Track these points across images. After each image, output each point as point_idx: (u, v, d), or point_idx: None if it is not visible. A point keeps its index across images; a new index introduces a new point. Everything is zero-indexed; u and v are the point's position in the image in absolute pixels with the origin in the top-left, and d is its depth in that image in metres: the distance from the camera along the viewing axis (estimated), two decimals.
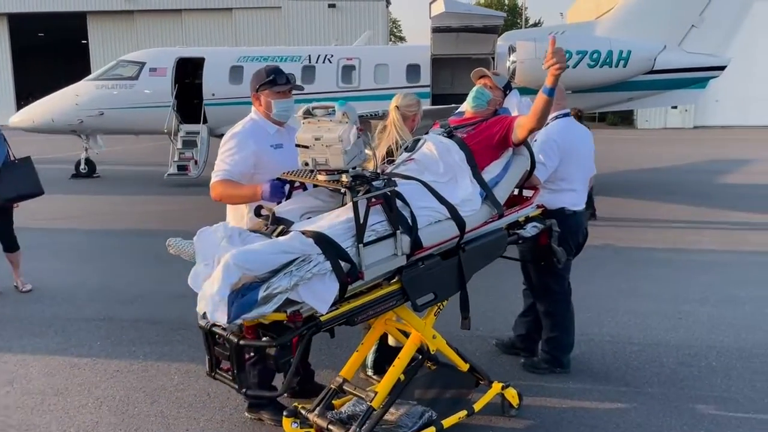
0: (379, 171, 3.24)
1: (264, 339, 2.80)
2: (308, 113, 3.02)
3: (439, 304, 3.49)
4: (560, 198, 4.43)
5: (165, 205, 12.26)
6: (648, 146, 25.18)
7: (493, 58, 14.14)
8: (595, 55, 13.07)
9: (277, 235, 2.95)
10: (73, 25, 40.09)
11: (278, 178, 3.28)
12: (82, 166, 16.13)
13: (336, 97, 13.81)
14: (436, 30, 13.47)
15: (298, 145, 3.00)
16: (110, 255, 8.38)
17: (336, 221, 2.94)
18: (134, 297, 6.38)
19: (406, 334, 3.80)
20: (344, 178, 2.97)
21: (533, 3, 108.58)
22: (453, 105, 11.06)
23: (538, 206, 4.03)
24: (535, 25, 57.65)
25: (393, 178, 3.18)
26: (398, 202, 3.08)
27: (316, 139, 2.94)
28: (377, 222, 3.00)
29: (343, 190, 3.13)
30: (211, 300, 2.56)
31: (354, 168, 3.00)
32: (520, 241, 3.86)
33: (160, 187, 14.33)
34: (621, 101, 14.78)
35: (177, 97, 14.71)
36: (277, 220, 3.09)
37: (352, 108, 2.96)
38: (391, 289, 3.13)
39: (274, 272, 2.69)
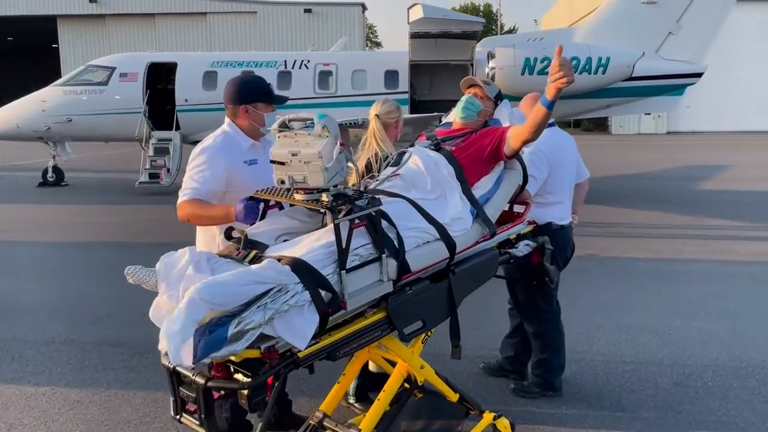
0: (361, 188, 2.97)
1: (236, 376, 2.51)
2: (284, 126, 2.74)
3: (427, 332, 3.23)
4: (548, 212, 4.23)
5: (136, 214, 11.85)
6: (623, 152, 25.29)
7: (472, 65, 14.00)
8: (574, 62, 12.96)
9: (250, 261, 2.65)
10: (44, 29, 39.26)
11: (252, 197, 2.98)
12: (50, 174, 15.61)
13: (313, 104, 13.60)
14: (414, 36, 13.27)
15: (273, 161, 2.71)
16: (75, 270, 7.99)
17: (316, 245, 2.66)
18: (99, 317, 6.02)
19: (392, 362, 3.55)
20: (324, 197, 2.69)
21: (507, 10, 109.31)
22: (435, 113, 10.88)
23: (529, 222, 3.79)
24: (510, 31, 57.95)
25: (377, 196, 2.90)
26: (383, 223, 2.81)
27: (293, 155, 2.66)
28: (361, 245, 2.73)
29: (323, 210, 2.87)
30: (173, 339, 2.26)
31: (335, 186, 2.73)
32: (511, 261, 3.61)
33: (130, 196, 13.90)
34: (600, 108, 14.75)
35: (148, 103, 14.31)
36: (250, 244, 2.79)
37: (332, 120, 2.69)
38: (375, 318, 2.85)
39: (247, 305, 2.40)
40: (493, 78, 13.14)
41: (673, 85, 14.14)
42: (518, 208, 3.77)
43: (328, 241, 2.66)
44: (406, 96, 13.72)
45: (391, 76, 14.01)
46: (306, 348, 2.53)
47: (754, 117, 34.38)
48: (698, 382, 4.59)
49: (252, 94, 3.36)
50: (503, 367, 4.66)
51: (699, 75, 14.12)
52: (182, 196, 3.22)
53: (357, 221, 2.67)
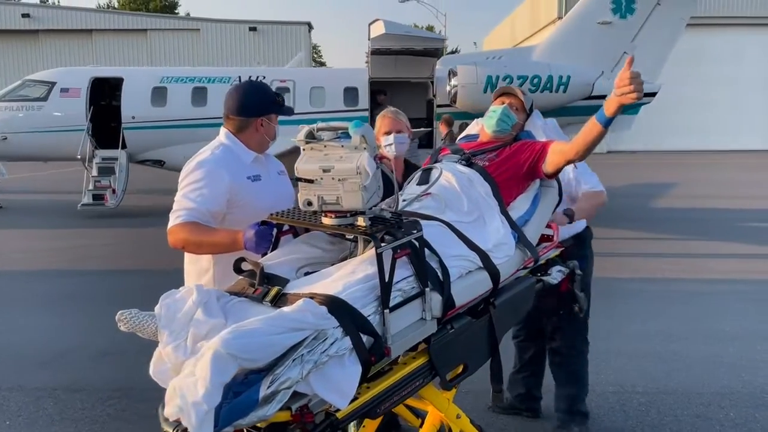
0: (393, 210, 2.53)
1: None
2: (312, 136, 2.29)
3: None
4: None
5: (80, 239, 10.97)
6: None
7: (432, 82, 13.77)
8: (535, 80, 12.94)
9: (272, 301, 2.17)
10: None
11: (264, 222, 2.50)
12: None
13: None
14: (375, 52, 12.95)
15: (299, 179, 2.25)
16: (14, 303, 7.16)
17: (352, 280, 2.20)
18: (51, 357, 5.30)
19: (415, 411, 3.10)
20: (361, 221, 2.24)
21: (448, 32, 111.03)
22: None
23: (558, 246, 3.43)
24: (453, 52, 58.74)
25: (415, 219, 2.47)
26: (425, 251, 2.38)
27: (325, 171, 2.21)
28: (403, 278, 2.29)
29: (351, 237, 2.42)
30: (194, 410, 1.76)
31: (370, 208, 2.29)
32: (544, 290, 3.23)
33: (73, 219, 12.93)
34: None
35: (92, 120, 13.47)
36: (266, 278, 2.31)
37: (370, 130, 2.25)
38: (417, 364, 2.41)
39: (279, 357, 1.93)
40: (454, 96, 12.96)
41: (629, 104, 14.26)
42: (547, 231, 3.40)
43: (366, 274, 2.22)
44: (366, 113, 13.35)
45: (350, 94, 13.64)
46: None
47: (692, 137, 35.61)
48: (719, 414, 4.31)
49: (266, 104, 2.91)
50: (514, 405, 4.27)
51: (653, 94, 14.30)
52: (175, 219, 2.70)
53: (399, 250, 2.24)
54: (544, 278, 3.17)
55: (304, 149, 2.29)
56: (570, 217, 3.51)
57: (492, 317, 2.69)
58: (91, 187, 13.51)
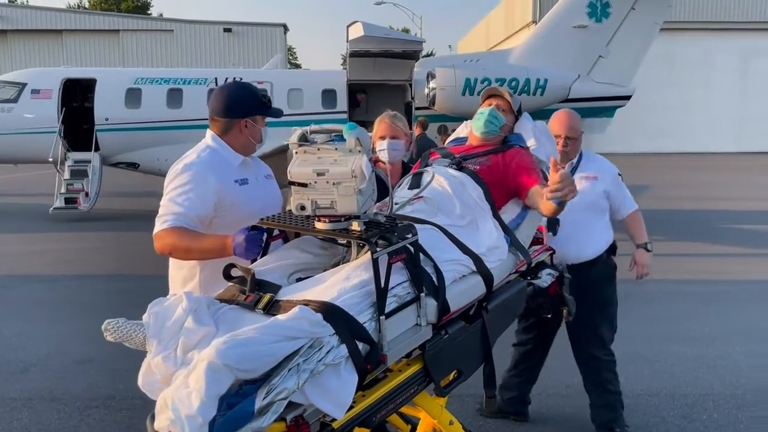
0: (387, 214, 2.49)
1: None
2: (305, 139, 2.23)
3: None
4: None
5: (53, 243, 10.72)
6: None
7: (411, 85, 13.76)
8: (513, 83, 12.99)
9: (265, 308, 2.11)
10: None
11: (254, 226, 2.44)
12: None
13: None
14: (353, 54, 12.89)
15: (291, 183, 2.20)
16: None
17: (347, 286, 2.15)
18: (26, 366, 5.15)
19: (405, 417, 3.06)
20: (356, 225, 2.20)
21: (423, 35, 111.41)
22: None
23: (548, 248, 3.41)
24: (428, 56, 58.86)
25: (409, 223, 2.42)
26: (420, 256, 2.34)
27: (319, 175, 2.16)
28: (398, 284, 2.25)
29: (345, 241, 2.37)
30: (188, 423, 1.69)
31: (365, 212, 2.24)
32: (534, 294, 3.20)
33: (45, 222, 12.64)
34: None
35: (64, 122, 13.20)
36: (257, 285, 2.24)
37: (365, 133, 2.21)
38: (412, 371, 2.37)
39: (274, 367, 1.87)
40: (433, 98, 12.97)
41: (605, 107, 14.43)
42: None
43: (361, 280, 2.17)
44: (345, 116, 13.30)
45: (328, 96, 13.56)
46: None
47: (664, 140, 36.18)
48: (703, 414, 4.34)
49: (252, 105, 2.83)
50: (502, 409, 4.24)
51: (628, 97, 14.48)
52: (162, 224, 2.61)
53: (395, 255, 2.19)
54: (535, 281, 3.15)
55: (296, 152, 2.23)
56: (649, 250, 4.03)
57: (485, 322, 2.67)
58: (63, 190, 13.23)
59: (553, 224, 3.39)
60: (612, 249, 4.02)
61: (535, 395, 4.36)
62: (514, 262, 2.84)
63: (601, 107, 14.37)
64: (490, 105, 3.19)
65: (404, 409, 2.91)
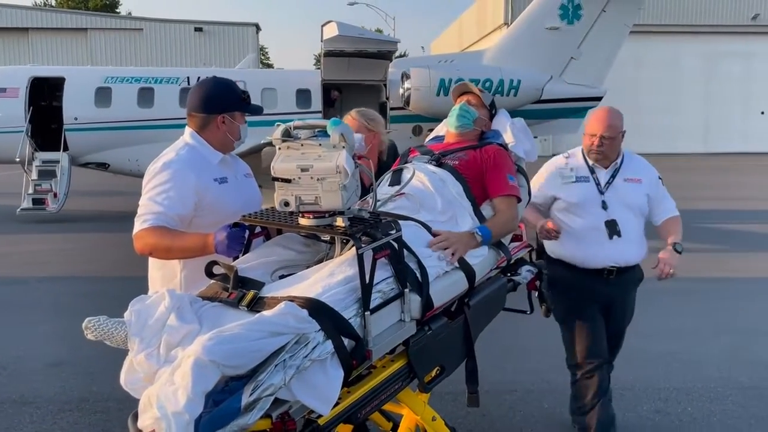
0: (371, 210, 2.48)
1: None
2: (288, 135, 2.22)
3: None
4: None
5: (21, 245, 10.50)
6: None
7: (385, 85, 13.77)
8: (487, 84, 13.05)
9: (249, 305, 2.09)
10: None
11: (236, 224, 2.41)
12: None
13: None
14: (328, 54, 12.85)
15: (275, 178, 2.18)
16: None
17: (332, 282, 2.14)
18: None
19: (386, 415, 3.07)
20: (340, 221, 2.19)
21: (396, 36, 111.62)
22: None
23: (527, 245, 3.45)
24: (401, 56, 59.00)
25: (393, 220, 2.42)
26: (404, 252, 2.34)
27: (303, 171, 2.15)
28: (382, 280, 2.25)
29: (328, 236, 2.37)
30: (175, 420, 1.67)
31: (349, 208, 2.23)
32: (514, 290, 3.23)
33: (12, 224, 12.36)
34: None
35: (31, 122, 12.91)
36: (240, 282, 2.22)
37: (349, 128, 2.20)
38: (396, 366, 2.37)
39: (261, 363, 1.86)
40: (408, 98, 12.99)
41: (576, 108, 14.61)
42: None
43: (345, 276, 2.17)
44: (320, 116, 13.24)
45: (302, 95, 13.50)
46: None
47: (633, 140, 36.76)
48: (678, 408, 4.43)
49: (229, 101, 2.80)
50: None
51: (599, 98, 14.67)
52: (142, 223, 2.57)
53: (379, 251, 2.19)
54: (515, 278, 3.19)
55: (280, 148, 2.22)
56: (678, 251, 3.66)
57: (467, 317, 2.68)
58: (31, 191, 12.95)
59: (613, 227, 3.51)
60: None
61: (512, 391, 4.40)
62: (494, 258, 2.87)
63: (573, 108, 14.55)
64: (463, 100, 3.22)
65: (387, 406, 2.91)
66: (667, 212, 3.79)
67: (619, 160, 3.64)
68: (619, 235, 3.54)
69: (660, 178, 3.77)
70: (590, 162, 3.64)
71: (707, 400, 4.53)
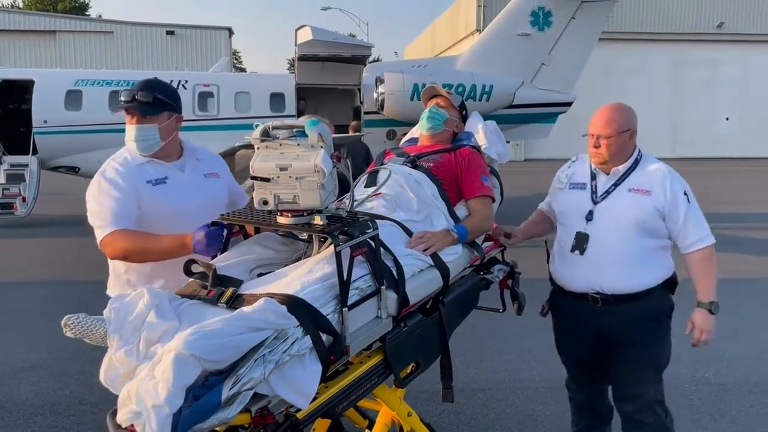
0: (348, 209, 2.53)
1: None
2: (267, 134, 2.26)
3: None
4: None
5: None
6: None
7: (359, 89, 13.83)
8: (460, 89, 13.18)
9: (228, 302, 2.12)
10: None
11: (214, 223, 2.44)
12: None
13: (193, 126, 12.73)
14: (302, 58, 12.87)
15: (254, 177, 2.22)
16: None
17: (310, 279, 2.19)
18: None
19: (362, 412, 3.11)
20: (318, 219, 2.24)
21: (370, 41, 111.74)
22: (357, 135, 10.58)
23: (500, 245, 3.52)
24: (375, 61, 59.20)
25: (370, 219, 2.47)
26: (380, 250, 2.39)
27: (282, 170, 2.19)
28: (359, 277, 2.30)
29: (306, 235, 2.41)
30: (155, 413, 1.69)
31: (326, 207, 2.28)
32: (487, 289, 3.30)
33: None
34: None
35: None
36: (219, 280, 2.25)
37: (326, 128, 2.25)
38: (373, 362, 2.42)
39: (240, 358, 1.89)
40: (382, 103, 13.07)
41: (547, 113, 14.85)
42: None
43: (323, 273, 2.21)
44: (294, 119, 13.23)
45: (276, 99, 13.49)
46: None
47: None
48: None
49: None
50: None
51: (569, 104, 14.94)
52: (104, 230, 2.60)
53: (356, 248, 2.24)
54: (487, 276, 3.26)
55: (258, 148, 2.26)
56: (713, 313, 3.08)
57: (442, 314, 2.74)
58: None
59: (581, 241, 3.01)
60: (669, 284, 3.21)
61: (486, 389, 4.47)
62: (468, 257, 2.94)
63: (544, 113, 14.78)
64: (432, 103, 3.31)
65: (362, 403, 2.96)
66: (691, 242, 3.04)
67: (625, 166, 3.03)
68: (581, 252, 3.01)
69: (686, 194, 3.00)
70: (593, 167, 3.11)
71: (674, 396, 4.63)
